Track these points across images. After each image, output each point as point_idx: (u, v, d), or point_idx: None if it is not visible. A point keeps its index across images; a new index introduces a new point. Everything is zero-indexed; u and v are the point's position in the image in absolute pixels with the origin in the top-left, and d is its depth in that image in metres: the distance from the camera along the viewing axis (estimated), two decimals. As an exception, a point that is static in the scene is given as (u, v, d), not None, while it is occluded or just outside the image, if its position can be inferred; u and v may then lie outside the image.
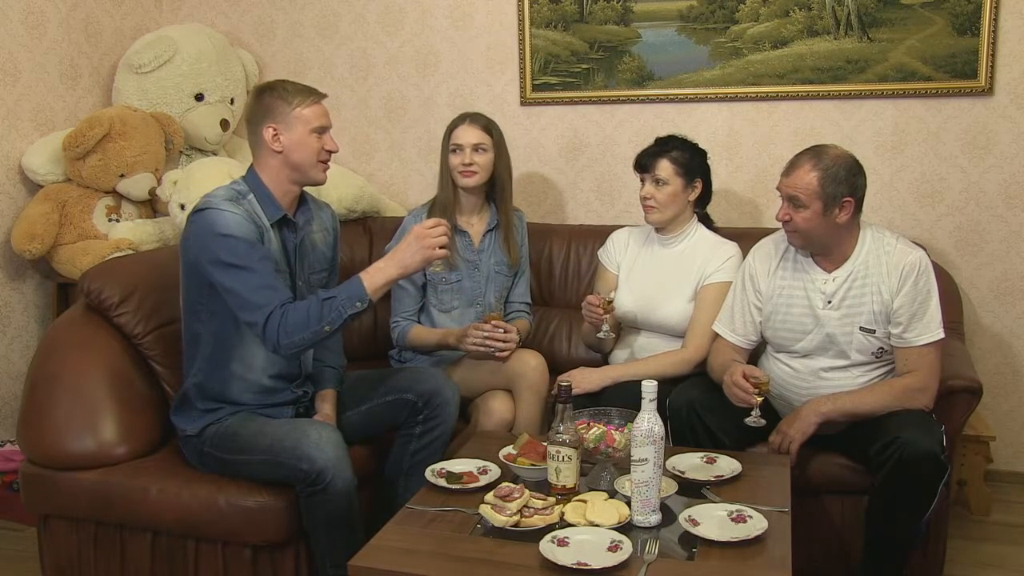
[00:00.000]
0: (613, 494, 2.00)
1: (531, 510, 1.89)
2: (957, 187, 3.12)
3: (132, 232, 3.17)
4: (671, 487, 2.00)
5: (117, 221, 3.29)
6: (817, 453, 2.40)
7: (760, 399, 2.27)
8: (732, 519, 1.88)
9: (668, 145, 2.67)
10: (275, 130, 2.23)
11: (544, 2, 3.36)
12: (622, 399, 2.32)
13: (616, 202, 3.44)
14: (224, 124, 3.52)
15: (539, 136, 3.48)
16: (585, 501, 1.93)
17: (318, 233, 2.41)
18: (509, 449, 2.18)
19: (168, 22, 3.81)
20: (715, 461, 2.18)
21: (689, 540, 1.83)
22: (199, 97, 3.48)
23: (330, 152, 2.30)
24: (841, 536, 2.45)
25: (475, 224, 2.85)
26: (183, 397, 2.33)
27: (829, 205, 2.28)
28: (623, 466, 2.03)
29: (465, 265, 2.81)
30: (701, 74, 3.26)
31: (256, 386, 2.30)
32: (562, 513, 1.90)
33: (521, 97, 3.45)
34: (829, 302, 2.37)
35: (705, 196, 2.74)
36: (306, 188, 2.36)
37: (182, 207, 3.06)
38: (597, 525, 1.85)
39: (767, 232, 2.62)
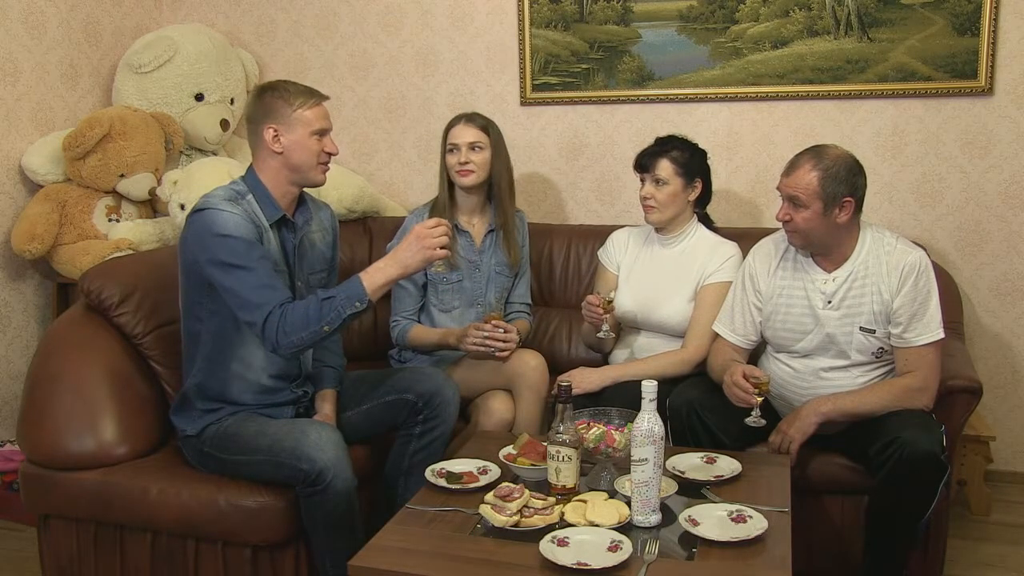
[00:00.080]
0: (613, 494, 2.00)
1: (531, 510, 1.89)
2: (957, 187, 3.12)
3: (132, 232, 3.17)
4: (671, 487, 2.00)
5: (117, 221, 3.29)
6: (817, 453, 2.40)
7: (760, 399, 2.27)
8: (732, 519, 1.88)
9: (668, 145, 2.67)
10: (276, 131, 2.23)
11: (544, 2, 3.36)
12: (622, 399, 2.32)
13: (616, 202, 3.44)
14: (224, 124, 3.52)
15: (539, 136, 3.48)
16: (585, 501, 1.93)
17: (317, 233, 2.41)
18: (509, 449, 2.18)
19: (168, 22, 3.81)
20: (715, 461, 2.18)
21: (689, 540, 1.83)
22: (199, 97, 3.48)
23: (330, 154, 2.29)
24: (841, 536, 2.45)
25: (477, 224, 2.85)
26: (183, 397, 2.33)
27: (829, 205, 2.28)
28: (623, 466, 2.03)
29: (466, 265, 2.81)
30: (701, 74, 3.26)
31: (256, 386, 2.30)
32: (562, 513, 1.90)
33: (521, 97, 3.45)
34: (829, 302, 2.37)
35: (705, 196, 2.74)
36: (305, 188, 2.36)
37: (182, 207, 3.07)
38: (597, 525, 1.85)
39: (767, 232, 2.62)
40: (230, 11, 3.76)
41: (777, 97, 3.21)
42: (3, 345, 3.21)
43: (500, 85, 3.48)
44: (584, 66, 3.36)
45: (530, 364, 2.60)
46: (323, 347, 2.40)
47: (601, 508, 1.89)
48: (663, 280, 2.69)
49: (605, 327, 2.58)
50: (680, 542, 1.84)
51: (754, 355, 2.58)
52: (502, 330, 2.56)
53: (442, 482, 2.08)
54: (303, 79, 3.27)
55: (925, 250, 2.43)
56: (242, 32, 3.76)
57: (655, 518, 1.88)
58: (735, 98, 3.24)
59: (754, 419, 2.27)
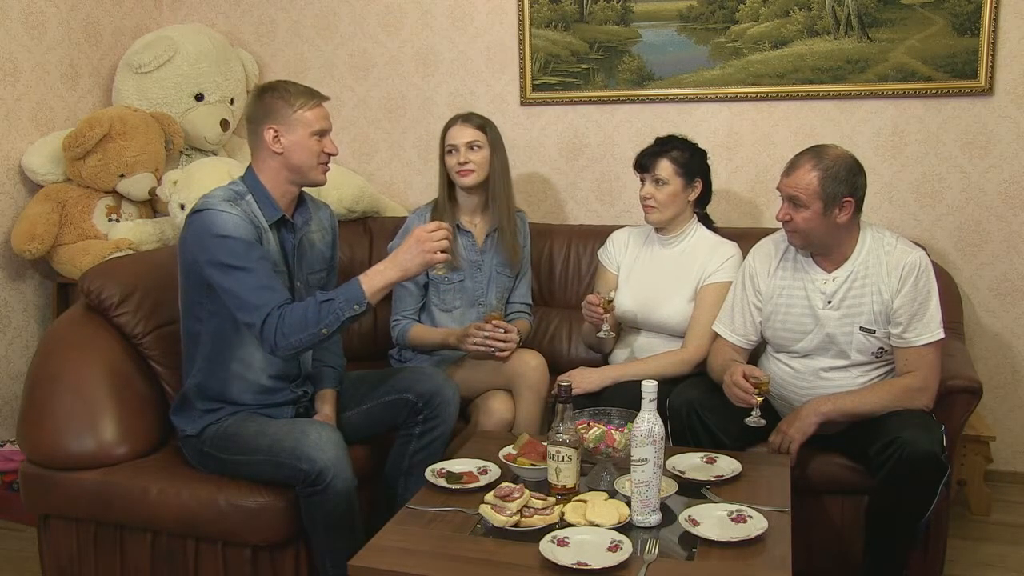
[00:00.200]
0: (613, 494, 2.00)
1: (531, 510, 1.89)
2: (957, 187, 3.12)
3: (132, 232, 3.17)
4: (671, 487, 2.00)
5: (117, 221, 3.29)
6: (817, 453, 2.40)
7: (760, 399, 2.26)
8: (732, 519, 1.88)
9: (668, 145, 2.67)
10: (276, 131, 2.23)
11: (544, 2, 3.36)
12: (622, 399, 2.32)
13: (616, 202, 3.44)
14: (224, 124, 3.52)
15: (539, 136, 3.48)
16: (585, 501, 1.93)
17: (316, 233, 2.41)
18: (509, 449, 2.18)
19: (168, 22, 3.81)
20: (715, 461, 2.18)
21: (689, 540, 1.83)
22: (199, 97, 3.48)
23: (330, 155, 2.29)
24: (841, 536, 2.45)
25: (479, 224, 2.85)
26: (183, 397, 2.33)
27: (829, 205, 2.28)
28: (623, 466, 2.03)
29: (468, 265, 2.81)
30: (701, 74, 3.26)
31: (256, 386, 2.30)
32: (562, 513, 1.90)
33: (521, 97, 3.45)
34: (829, 302, 2.37)
35: (705, 196, 2.74)
36: (305, 188, 2.36)
37: (182, 207, 3.07)
38: (597, 525, 1.85)
39: (767, 232, 2.62)
40: (230, 11, 3.76)
41: (777, 97, 3.21)
42: (3, 345, 3.21)
43: (500, 85, 3.48)
44: (584, 66, 3.36)
45: (530, 364, 2.60)
46: (323, 347, 2.39)
47: (601, 508, 1.89)
48: (663, 280, 2.69)
49: (605, 327, 2.58)
50: (680, 542, 1.84)
51: (754, 355, 2.58)
52: (502, 330, 2.56)
53: (442, 482, 2.08)
54: (303, 79, 3.27)
55: (925, 250, 2.43)
56: (242, 32, 3.76)
57: (655, 518, 1.88)
58: (735, 98, 3.24)
59: (754, 419, 2.27)
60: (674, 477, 2.07)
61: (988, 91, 3.02)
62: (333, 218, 2.52)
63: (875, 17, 3.07)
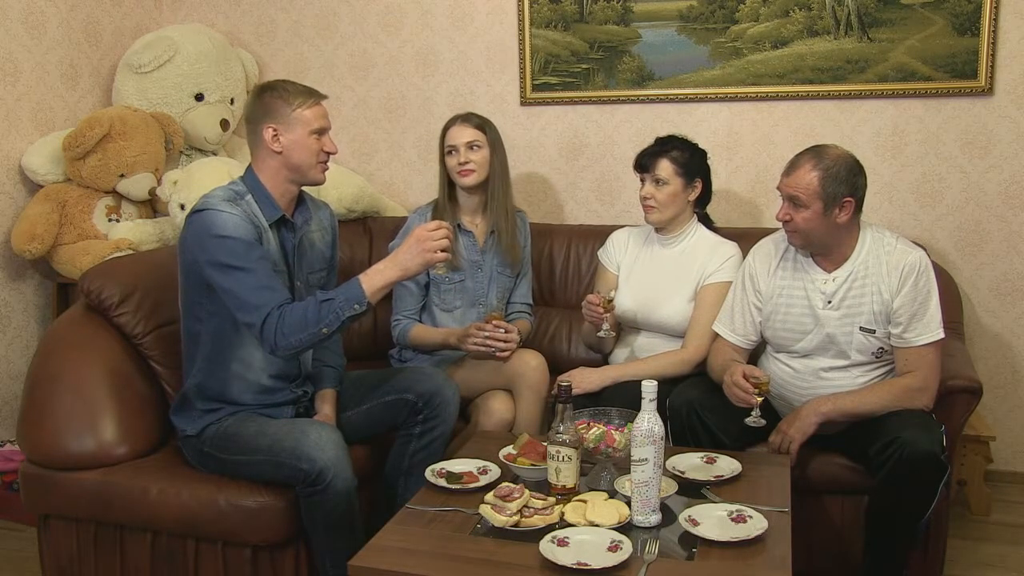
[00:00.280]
0: (613, 494, 2.00)
1: (531, 510, 1.89)
2: (957, 187, 3.12)
3: (132, 232, 3.17)
4: (671, 487, 2.00)
5: (117, 221, 3.29)
6: (817, 453, 2.40)
7: (760, 399, 2.26)
8: (732, 519, 1.88)
9: (668, 145, 2.67)
10: (275, 130, 2.23)
11: (544, 2, 3.36)
12: (622, 399, 2.32)
13: (616, 202, 3.44)
14: (224, 124, 3.52)
15: (539, 136, 3.48)
16: (585, 501, 1.93)
17: (316, 232, 2.41)
18: (509, 449, 2.18)
19: (168, 22, 3.81)
20: (715, 461, 2.18)
21: (689, 540, 1.83)
22: (199, 97, 3.48)
23: (329, 154, 2.29)
24: (841, 536, 2.45)
25: (480, 224, 2.85)
26: (183, 397, 2.33)
27: (829, 205, 2.28)
28: (623, 466, 2.03)
29: (468, 265, 2.81)
30: (701, 74, 3.26)
31: (256, 386, 2.30)
32: (562, 513, 1.90)
33: (521, 97, 3.45)
34: (829, 302, 2.37)
35: (705, 196, 2.74)
36: (304, 188, 2.36)
37: (182, 207, 3.07)
38: (597, 525, 1.85)
39: (767, 232, 2.62)
40: (230, 11, 3.76)
41: (777, 97, 3.21)
42: (3, 345, 3.21)
43: (500, 85, 3.48)
44: (584, 66, 3.36)
45: (530, 364, 2.61)
46: (323, 347, 2.40)
47: (601, 508, 1.89)
48: (663, 280, 2.69)
49: (605, 326, 2.58)
50: (680, 542, 1.84)
51: (754, 355, 2.58)
52: (503, 330, 2.56)
53: (442, 482, 2.08)
54: (303, 79, 3.27)
55: (925, 250, 2.43)
56: (242, 32, 3.76)
57: (655, 518, 1.88)
58: (735, 98, 3.24)
59: (754, 419, 2.27)
60: (674, 477, 2.07)
61: (988, 91, 3.02)
62: (333, 218, 2.52)
63: (875, 17, 3.07)
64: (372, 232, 3.34)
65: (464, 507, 1.98)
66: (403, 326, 2.79)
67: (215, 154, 3.55)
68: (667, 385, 2.37)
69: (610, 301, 2.56)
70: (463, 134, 2.74)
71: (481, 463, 2.17)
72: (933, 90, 3.07)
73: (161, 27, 3.72)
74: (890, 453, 2.17)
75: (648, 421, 1.85)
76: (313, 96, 2.27)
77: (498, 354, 2.56)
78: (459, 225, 2.80)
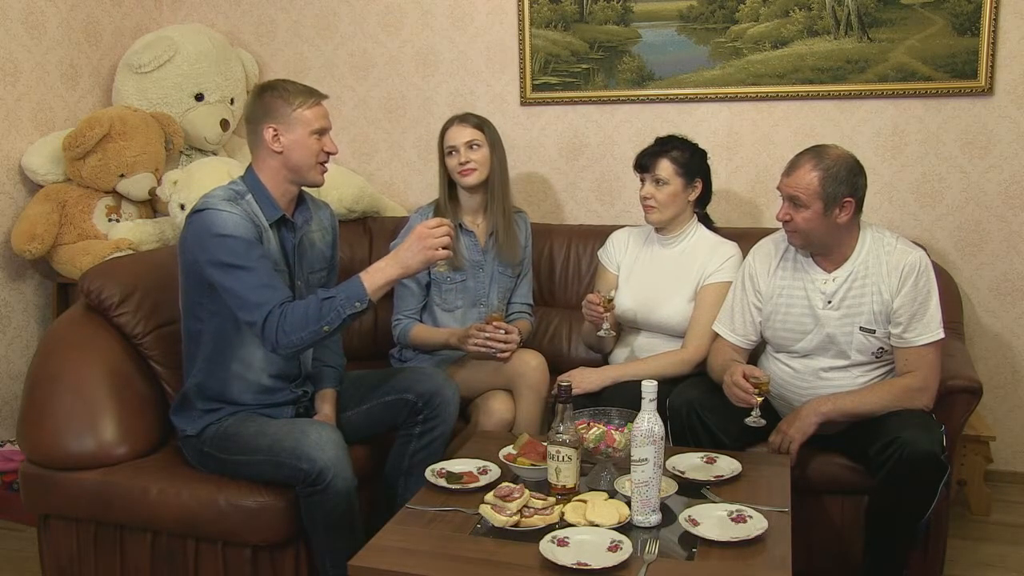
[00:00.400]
0: (613, 494, 2.00)
1: (531, 510, 1.89)
2: (957, 187, 3.12)
3: (132, 232, 3.17)
4: (671, 487, 2.00)
5: (117, 221, 3.29)
6: (817, 453, 2.40)
7: (760, 399, 2.26)
8: (732, 519, 1.88)
9: (668, 145, 2.67)
10: (275, 130, 2.23)
11: (544, 2, 3.36)
12: (622, 399, 2.32)
13: (616, 202, 3.44)
14: (224, 124, 3.52)
15: (539, 136, 3.48)
16: (585, 501, 1.93)
17: (316, 232, 2.41)
18: (509, 449, 2.18)
19: (168, 22, 3.81)
20: (715, 461, 2.18)
21: (689, 540, 1.83)
22: (199, 97, 3.48)
23: (329, 154, 2.29)
24: (841, 536, 2.45)
25: (481, 224, 2.85)
26: (183, 397, 2.33)
27: (829, 205, 2.28)
28: (623, 466, 2.03)
29: (470, 265, 2.81)
30: (701, 74, 3.26)
31: (256, 386, 2.30)
32: (562, 513, 1.90)
33: (521, 97, 3.45)
34: (829, 302, 2.37)
35: (705, 196, 2.74)
36: (304, 188, 2.36)
37: (182, 207, 3.07)
38: (597, 525, 1.85)
39: (767, 232, 2.62)
40: (230, 11, 3.76)
41: (777, 97, 3.21)
42: (3, 345, 3.21)
43: (500, 85, 3.48)
44: (584, 66, 3.36)
45: (530, 364, 2.61)
46: (323, 346, 2.40)
47: (601, 508, 1.89)
48: (663, 280, 2.69)
49: (605, 326, 2.58)
50: (680, 542, 1.84)
51: (754, 355, 2.58)
52: (503, 331, 2.56)
53: (442, 482, 2.08)
54: (303, 79, 3.26)
55: (925, 250, 2.43)
56: (242, 32, 3.76)
57: (655, 518, 1.88)
58: (735, 98, 3.24)
59: (754, 419, 2.27)
60: (674, 477, 2.07)
61: (988, 91, 3.02)
62: (333, 218, 2.52)
63: (875, 17, 3.07)
64: (372, 232, 3.34)
65: (464, 507, 1.98)
66: (404, 326, 2.79)
67: (215, 154, 3.55)
68: (667, 385, 2.37)
69: (610, 301, 2.56)
70: (462, 134, 2.74)
71: (481, 463, 2.17)
72: (933, 90, 3.07)
73: (161, 27, 3.72)
74: (890, 453, 2.17)
75: (648, 421, 1.85)
76: (314, 96, 2.27)
77: (498, 355, 2.56)
78: (460, 225, 2.80)
